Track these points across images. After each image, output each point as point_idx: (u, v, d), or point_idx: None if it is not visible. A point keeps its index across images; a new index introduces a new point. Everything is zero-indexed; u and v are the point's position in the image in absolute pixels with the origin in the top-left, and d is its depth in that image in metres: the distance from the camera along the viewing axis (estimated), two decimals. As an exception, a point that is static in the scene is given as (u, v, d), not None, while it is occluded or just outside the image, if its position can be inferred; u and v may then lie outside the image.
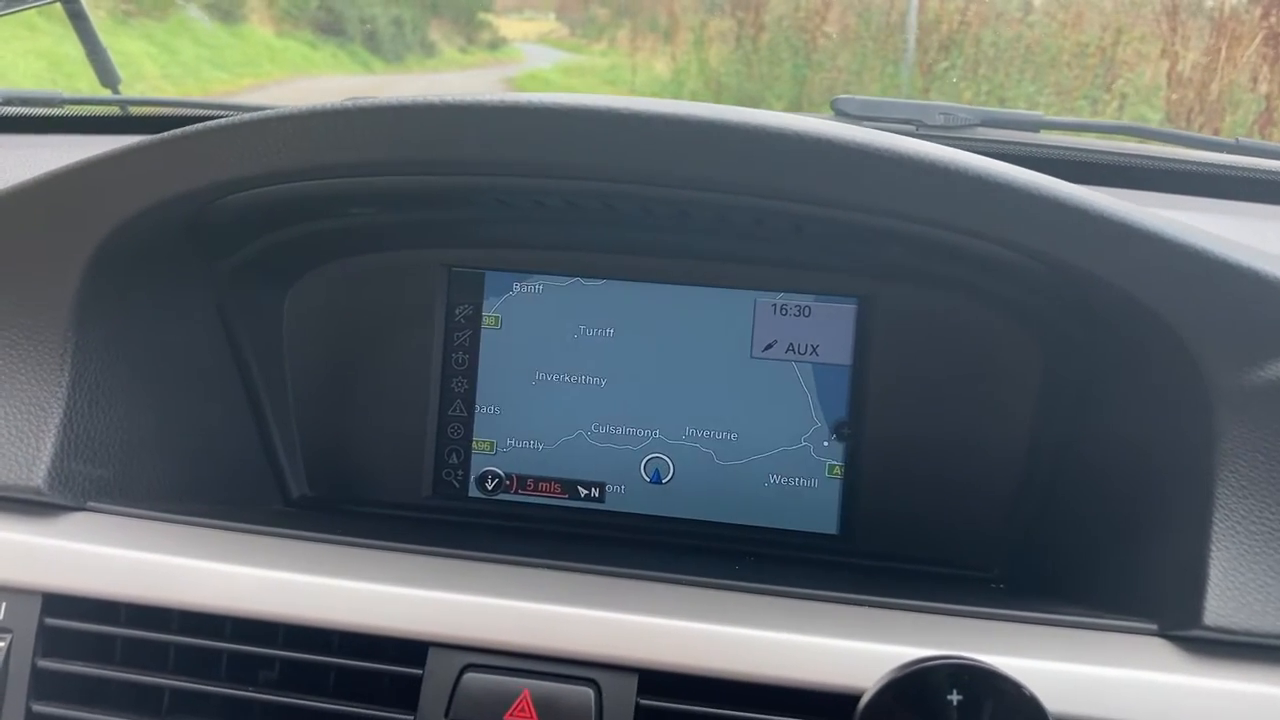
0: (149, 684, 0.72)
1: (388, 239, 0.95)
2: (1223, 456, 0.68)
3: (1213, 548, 0.66)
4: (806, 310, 0.93)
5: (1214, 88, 7.10)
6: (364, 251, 0.96)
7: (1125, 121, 1.71)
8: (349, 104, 0.69)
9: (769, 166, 0.68)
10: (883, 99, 1.28)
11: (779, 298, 0.93)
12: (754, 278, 0.93)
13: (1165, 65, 7.47)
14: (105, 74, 1.55)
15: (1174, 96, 7.30)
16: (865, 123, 1.23)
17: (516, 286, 0.96)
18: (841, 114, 1.25)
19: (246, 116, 0.71)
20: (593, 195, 0.79)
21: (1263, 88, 6.89)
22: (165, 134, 0.73)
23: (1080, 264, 0.68)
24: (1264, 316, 0.67)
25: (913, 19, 8.82)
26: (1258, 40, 6.92)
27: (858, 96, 1.27)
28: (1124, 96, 7.63)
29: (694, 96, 10.28)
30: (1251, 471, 0.67)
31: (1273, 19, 6.77)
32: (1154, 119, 7.19)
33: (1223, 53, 7.10)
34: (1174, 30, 7.49)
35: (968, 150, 1.12)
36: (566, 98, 0.69)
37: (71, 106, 1.43)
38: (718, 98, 9.92)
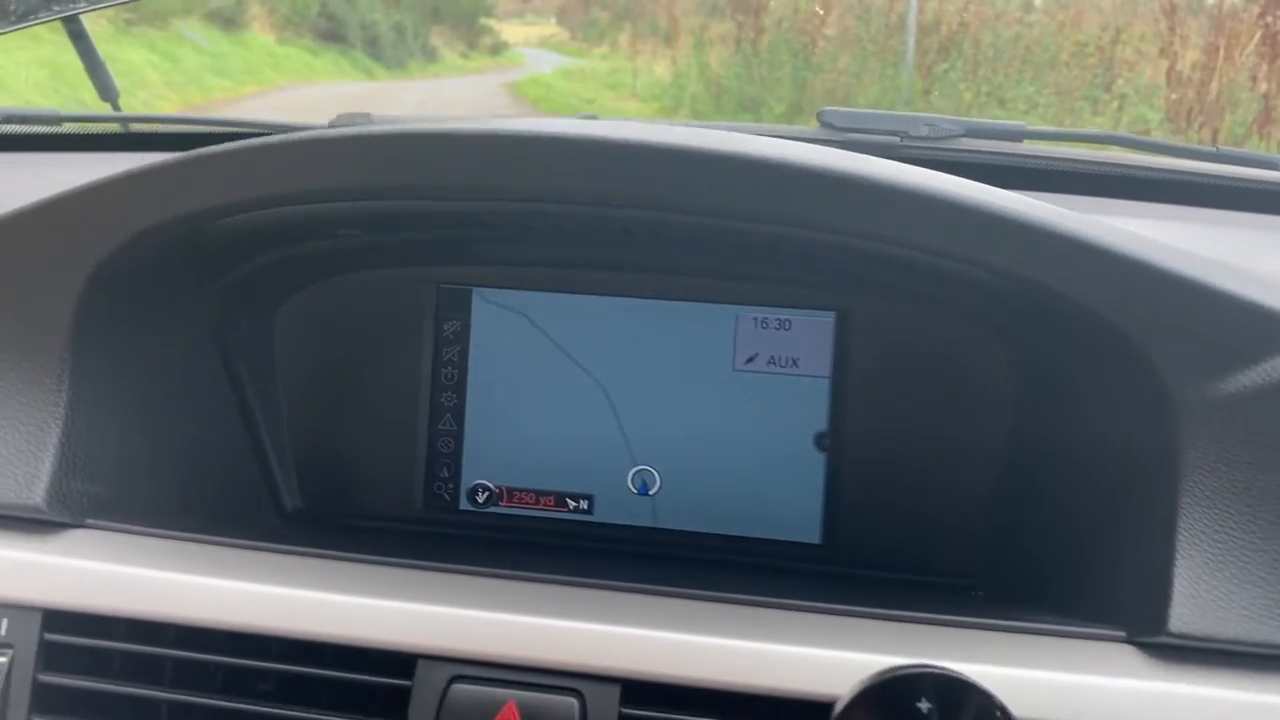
0: (147, 697, 0.73)
1: (377, 257, 0.97)
2: (1186, 468, 0.69)
3: (1178, 556, 0.68)
4: (787, 324, 0.94)
5: (1213, 87, 7.11)
6: (354, 269, 0.98)
7: (1108, 131, 1.73)
8: (341, 132, 0.71)
9: (738, 192, 0.70)
10: (869, 111, 1.30)
11: (760, 312, 0.94)
12: (735, 293, 0.94)
13: (1164, 65, 7.47)
14: (104, 89, 1.58)
15: (1173, 96, 7.31)
16: (851, 134, 1.25)
17: (504, 302, 0.98)
18: (828, 125, 1.27)
19: (240, 144, 0.73)
20: (576, 219, 0.81)
21: (1261, 87, 6.90)
22: (162, 160, 0.75)
23: (1042, 280, 0.70)
24: (1221, 330, 0.69)
25: (912, 20, 8.84)
26: (1256, 39, 6.92)
27: (843, 109, 1.29)
28: (1123, 96, 7.64)
29: (695, 99, 10.30)
30: (1215, 481, 0.69)
31: (1270, 18, 6.77)
32: (1154, 119, 7.20)
33: (1221, 52, 7.11)
34: (1173, 30, 7.49)
35: (951, 161, 1.14)
36: (551, 125, 0.71)
37: (71, 124, 1.45)
38: (718, 100, 9.95)
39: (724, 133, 0.72)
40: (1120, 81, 7.80)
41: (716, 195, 0.71)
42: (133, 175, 0.77)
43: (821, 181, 0.69)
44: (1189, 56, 7.41)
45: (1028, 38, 8.48)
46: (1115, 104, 7.64)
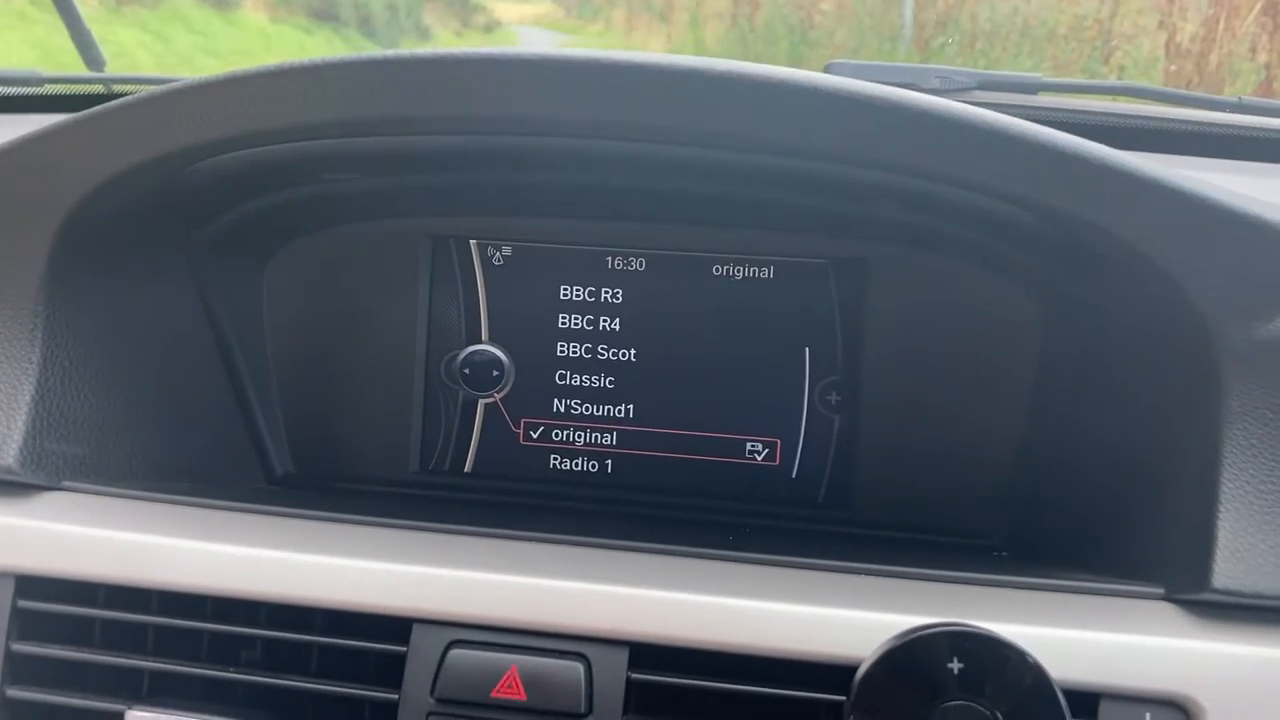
0: (128, 666, 0.70)
1: (369, 208, 0.92)
2: (1230, 415, 0.65)
3: (1221, 509, 0.64)
4: (800, 274, 0.90)
5: (1213, 58, 7.06)
6: (345, 221, 0.94)
7: (1124, 82, 1.69)
8: (320, 60, 0.66)
9: (763, 119, 0.66)
10: (877, 63, 1.25)
11: (771, 262, 0.90)
12: (745, 243, 0.90)
13: (1163, 37, 7.42)
14: (90, 57, 1.53)
15: (1173, 68, 7.25)
16: (859, 87, 1.20)
17: (500, 254, 0.94)
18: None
19: (215, 76, 0.69)
20: (578, 156, 0.76)
21: (1261, 57, 6.85)
22: (131, 97, 0.71)
23: (1084, 216, 0.66)
24: (1271, 269, 0.65)
25: (909, -6, 8.77)
26: (1256, 9, 6.87)
27: (851, 61, 1.24)
28: (1122, 69, 7.58)
29: (690, 76, 10.22)
30: (1260, 430, 0.65)
31: (1273, -12, 6.72)
32: (1153, 91, 7.14)
33: (1221, 23, 7.06)
34: (1171, 2, 7.44)
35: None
36: (544, 51, 0.66)
37: (52, 85, 1.40)
38: (714, 78, 9.87)
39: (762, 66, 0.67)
40: (1119, 54, 7.75)
41: (773, 128, 0.66)
42: (98, 115, 0.72)
43: (883, 114, 0.65)
44: (1188, 28, 7.35)
45: (1025, 11, 8.42)
46: (1114, 77, 7.59)
